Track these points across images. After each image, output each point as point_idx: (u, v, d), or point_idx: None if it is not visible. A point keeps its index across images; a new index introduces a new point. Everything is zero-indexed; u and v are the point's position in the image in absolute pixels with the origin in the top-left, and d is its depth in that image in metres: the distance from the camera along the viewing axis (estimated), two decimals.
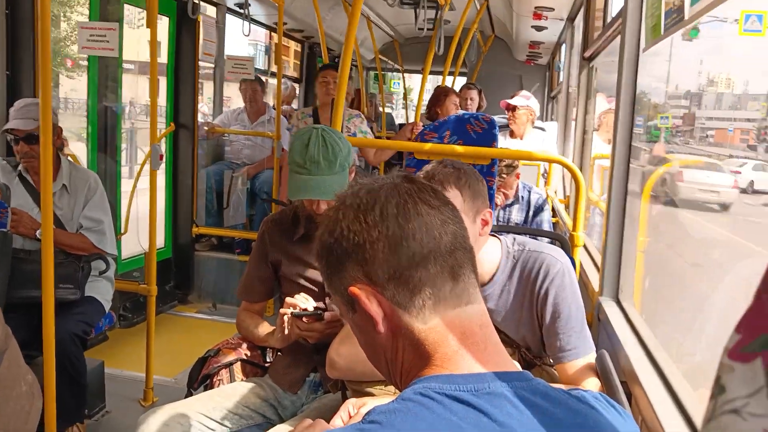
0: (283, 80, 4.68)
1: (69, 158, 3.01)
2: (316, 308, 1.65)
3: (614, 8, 2.88)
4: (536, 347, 1.59)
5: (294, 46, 7.63)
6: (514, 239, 1.59)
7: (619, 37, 1.84)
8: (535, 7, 4.37)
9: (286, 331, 1.67)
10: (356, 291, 0.74)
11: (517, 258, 1.55)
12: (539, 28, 5.06)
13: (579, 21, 3.81)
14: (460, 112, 4.20)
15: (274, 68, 4.92)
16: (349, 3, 3.24)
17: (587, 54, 3.30)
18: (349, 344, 1.41)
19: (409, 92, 9.48)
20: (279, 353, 1.87)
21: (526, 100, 3.88)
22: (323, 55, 5.55)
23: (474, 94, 4.96)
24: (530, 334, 1.57)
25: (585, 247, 2.58)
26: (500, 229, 2.11)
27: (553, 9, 4.34)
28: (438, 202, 0.77)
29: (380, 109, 7.35)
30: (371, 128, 5.64)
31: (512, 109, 3.88)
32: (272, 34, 6.29)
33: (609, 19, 2.91)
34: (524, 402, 0.68)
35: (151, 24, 2.71)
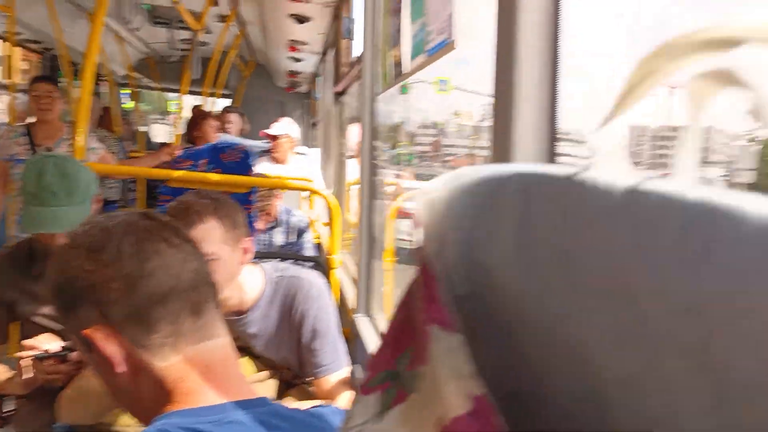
0: (17, 95, 4.17)
1: None
2: (63, 348, 1.53)
3: (357, 50, 3.13)
4: (296, 367, 1.68)
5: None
6: (275, 266, 1.67)
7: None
8: (290, 40, 4.51)
9: (30, 375, 1.52)
10: (91, 333, 0.71)
11: (278, 284, 1.62)
12: (296, 59, 5.22)
13: (331, 56, 4.04)
14: (220, 136, 4.17)
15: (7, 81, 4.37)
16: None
17: (337, 89, 3.53)
18: (70, 387, 1.37)
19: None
20: (23, 399, 1.69)
21: (284, 128, 3.99)
22: (63, 68, 5.07)
23: (234, 117, 4.89)
24: (291, 355, 1.65)
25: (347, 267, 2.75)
26: (263, 255, 2.18)
27: (307, 43, 4.52)
28: (178, 240, 0.76)
29: (136, 127, 6.92)
30: (123, 146, 5.30)
31: (273, 137, 3.97)
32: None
33: (353, 59, 3.16)
34: (263, 425, 0.73)
35: None
